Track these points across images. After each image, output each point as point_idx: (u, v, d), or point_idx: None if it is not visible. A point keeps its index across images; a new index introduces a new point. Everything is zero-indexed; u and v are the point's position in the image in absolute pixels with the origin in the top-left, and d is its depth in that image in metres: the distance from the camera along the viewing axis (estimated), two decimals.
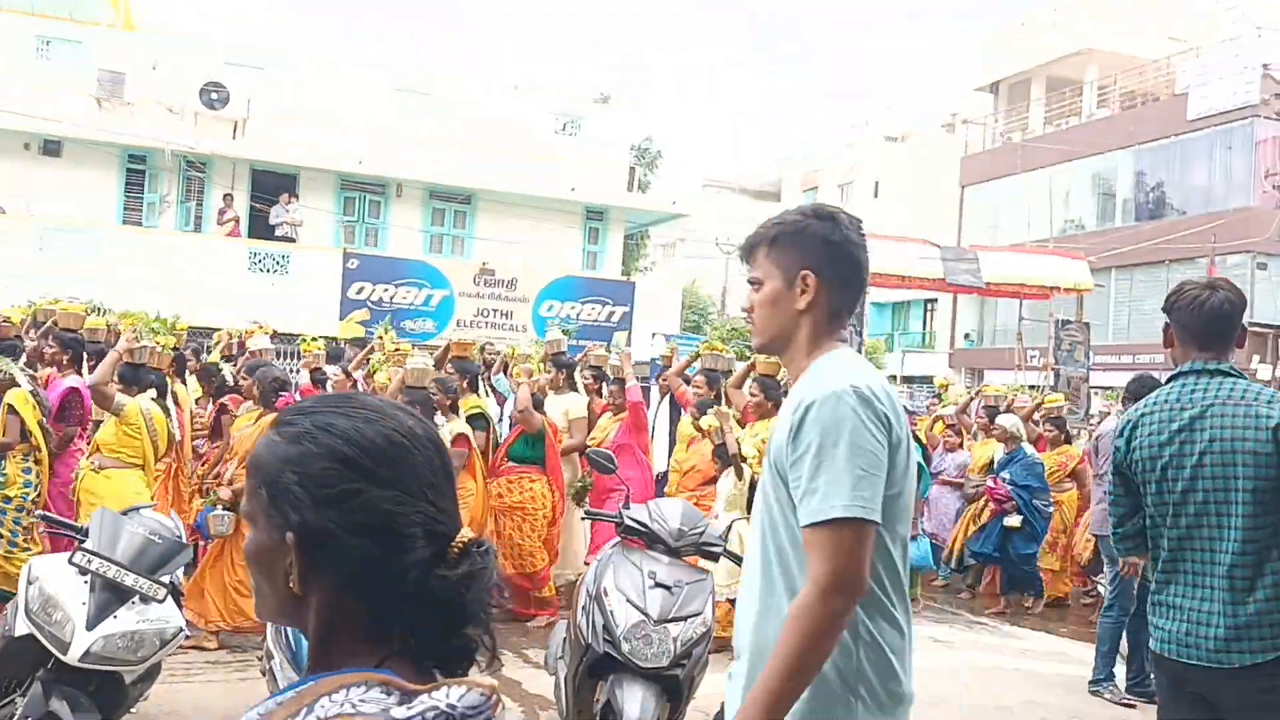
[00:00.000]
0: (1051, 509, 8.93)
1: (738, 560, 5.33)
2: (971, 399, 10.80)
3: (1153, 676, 5.97)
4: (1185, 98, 27.70)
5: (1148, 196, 30.09)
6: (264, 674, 4.71)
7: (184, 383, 8.24)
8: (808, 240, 2.15)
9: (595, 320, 21.25)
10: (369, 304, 19.68)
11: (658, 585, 4.20)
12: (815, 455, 1.93)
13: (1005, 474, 8.80)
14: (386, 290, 20.00)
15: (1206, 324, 3.05)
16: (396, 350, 9.17)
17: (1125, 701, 5.90)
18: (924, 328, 39.54)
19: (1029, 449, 8.98)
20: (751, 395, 7.35)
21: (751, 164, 55.66)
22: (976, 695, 5.89)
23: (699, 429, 6.98)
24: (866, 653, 2.00)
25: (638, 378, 9.67)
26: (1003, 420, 9.18)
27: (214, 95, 19.73)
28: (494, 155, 21.52)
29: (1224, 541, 2.88)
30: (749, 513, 6.05)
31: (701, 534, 4.49)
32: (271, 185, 20.86)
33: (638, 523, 4.48)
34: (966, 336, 35.36)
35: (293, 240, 20.45)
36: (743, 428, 6.89)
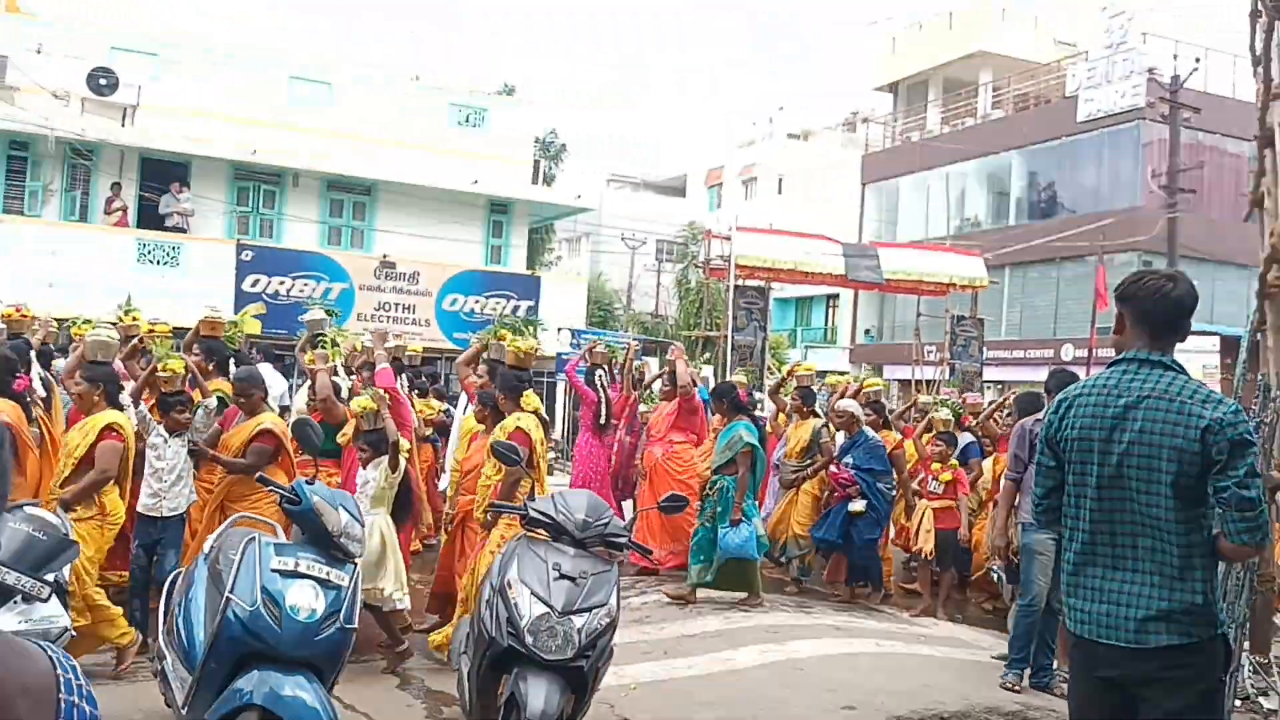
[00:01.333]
0: (894, 493, 8.90)
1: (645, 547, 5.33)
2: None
3: (1053, 670, 6.19)
4: (1075, 100, 28.67)
5: (1039, 196, 31.09)
6: (155, 675, 4.57)
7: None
8: None
9: (500, 315, 21.10)
10: (264, 297, 19.22)
11: (562, 577, 4.19)
12: None
13: (848, 459, 8.69)
14: (282, 283, 19.56)
15: (1166, 315, 3.08)
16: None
17: (1019, 688, 6.08)
18: (826, 323, 40.21)
19: (870, 432, 8.88)
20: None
21: (657, 160, 55.75)
22: (873, 680, 6.02)
23: (480, 420, 6.77)
24: None
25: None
26: (843, 404, 9.06)
27: (102, 81, 19.01)
28: (394, 147, 21.22)
29: (1149, 528, 2.96)
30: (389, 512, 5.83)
31: (607, 525, 4.49)
32: (162, 174, 20.23)
33: (542, 514, 4.46)
34: (867, 332, 36.07)
35: (184, 231, 19.87)
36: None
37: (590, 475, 9.55)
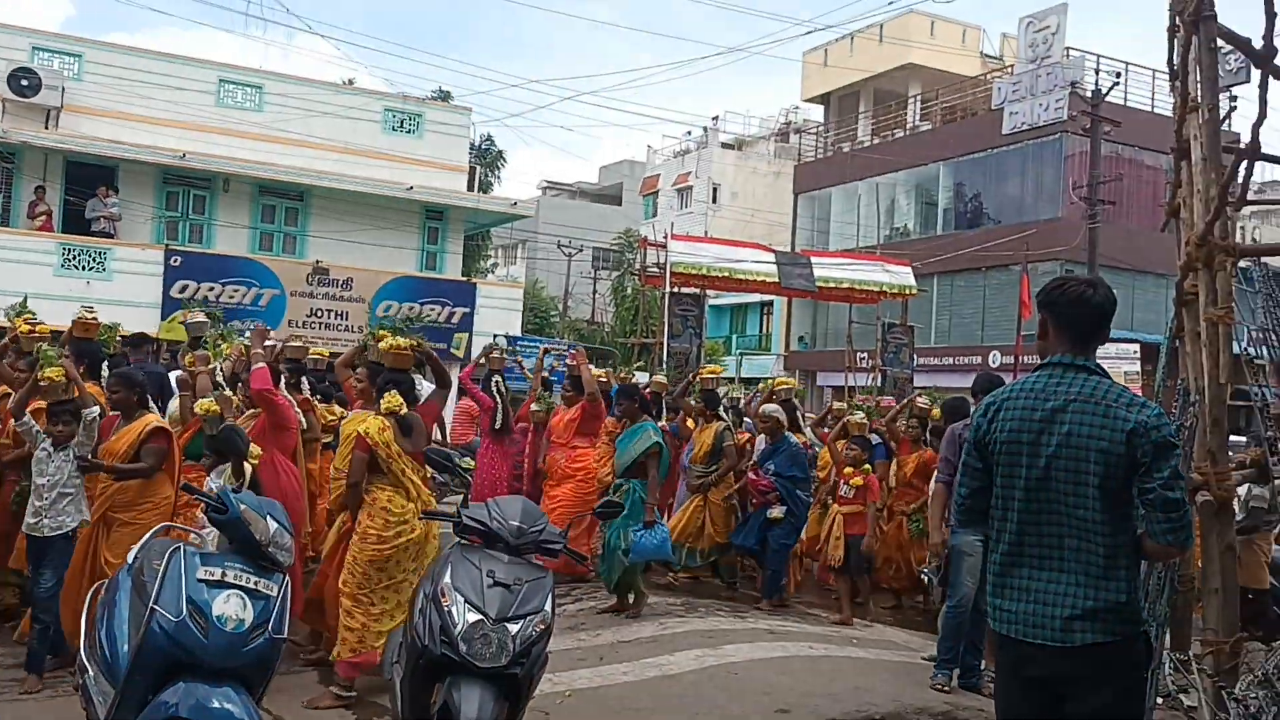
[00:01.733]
0: (812, 499, 8.89)
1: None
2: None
3: (981, 670, 6.30)
4: (1000, 113, 29.30)
5: (966, 206, 31.71)
6: (76, 689, 4.45)
7: None
8: None
9: (435, 321, 20.93)
10: (194, 303, 18.84)
11: (497, 584, 4.16)
12: None
13: (770, 465, 8.54)
14: (212, 289, 19.18)
15: (1088, 320, 3.15)
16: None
17: (949, 689, 6.18)
18: (760, 330, 40.55)
19: (793, 438, 8.78)
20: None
21: (591, 168, 55.82)
22: (807, 683, 6.08)
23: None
24: None
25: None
26: (767, 409, 8.88)
27: (24, 82, 18.51)
28: (328, 151, 20.96)
29: (1075, 529, 3.02)
30: None
31: (542, 531, 4.48)
32: (88, 178, 19.73)
33: (476, 521, 4.43)
34: (801, 339, 36.44)
35: (111, 236, 19.40)
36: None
37: (489, 481, 9.42)
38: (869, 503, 8.39)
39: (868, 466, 8.55)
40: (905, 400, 10.64)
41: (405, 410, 5.83)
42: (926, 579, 7.53)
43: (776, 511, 8.38)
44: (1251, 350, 5.44)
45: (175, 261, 19.19)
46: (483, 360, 10.03)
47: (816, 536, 9.10)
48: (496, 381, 9.71)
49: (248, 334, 7.39)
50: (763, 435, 8.96)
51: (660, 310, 17.54)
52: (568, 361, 11.15)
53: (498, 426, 9.63)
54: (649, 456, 7.74)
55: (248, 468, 5.55)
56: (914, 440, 9.52)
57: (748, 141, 46.05)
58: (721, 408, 9.24)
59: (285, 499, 5.60)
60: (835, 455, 9.08)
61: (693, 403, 9.60)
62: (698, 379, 10.00)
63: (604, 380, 9.59)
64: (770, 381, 10.75)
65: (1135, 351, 19.61)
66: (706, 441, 8.89)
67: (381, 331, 6.52)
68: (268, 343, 7.12)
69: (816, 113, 42.57)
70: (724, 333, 39.84)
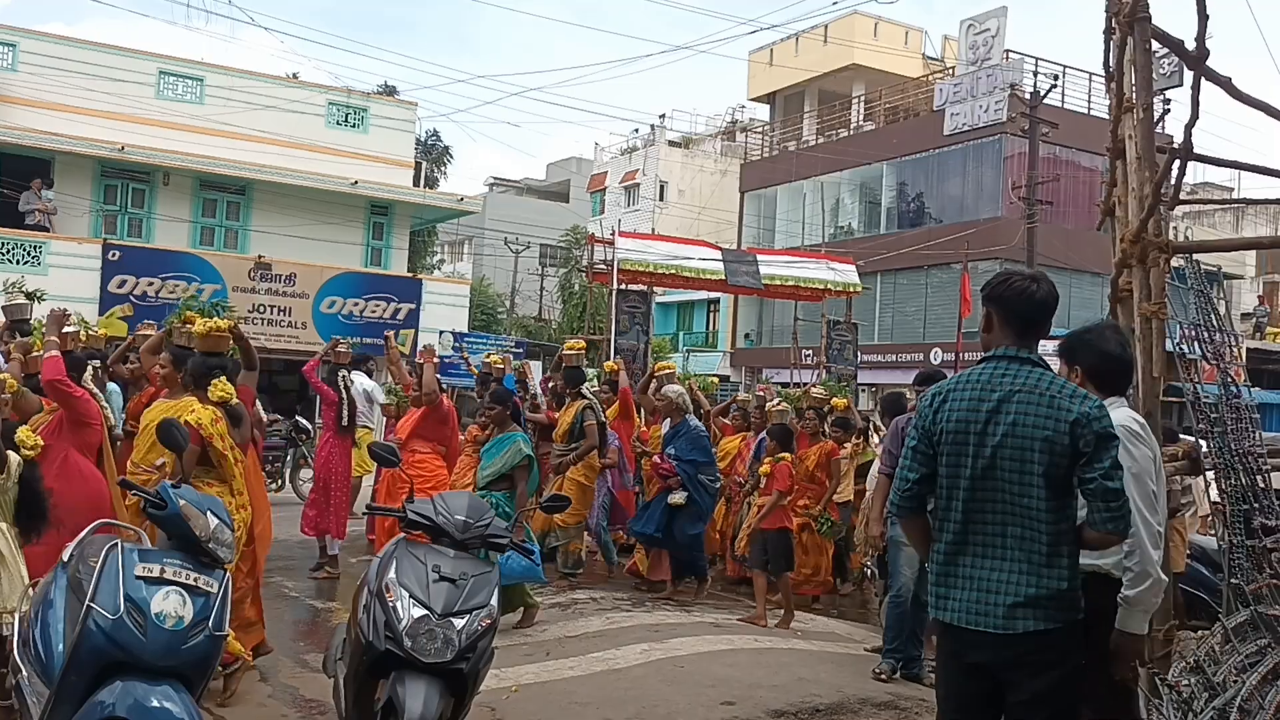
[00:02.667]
0: (718, 485, 8.60)
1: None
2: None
3: (922, 660, 6.39)
4: (942, 114, 29.70)
5: (908, 205, 32.12)
6: (9, 691, 4.35)
7: None
8: None
9: (380, 317, 20.75)
10: (131, 299, 18.49)
11: (442, 579, 4.13)
12: None
13: (671, 449, 8.19)
14: (151, 284, 18.86)
15: (1032, 313, 3.22)
16: None
17: (890, 678, 6.27)
18: (707, 327, 40.72)
19: (694, 421, 8.45)
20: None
21: (538, 165, 55.68)
22: (752, 675, 6.12)
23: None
24: None
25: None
26: (668, 391, 8.53)
27: None
28: (270, 145, 20.68)
29: (1019, 517, 3.08)
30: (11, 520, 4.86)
31: (488, 526, 4.46)
32: (22, 170, 19.29)
33: (421, 516, 4.41)
34: (747, 336, 36.66)
35: (46, 229, 18.98)
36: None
37: (329, 475, 9.17)
38: (774, 491, 7.76)
39: (783, 455, 8.00)
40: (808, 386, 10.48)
41: (235, 399, 5.59)
42: (869, 571, 7.60)
43: (677, 497, 8.06)
44: (1184, 348, 5.57)
45: (114, 256, 18.84)
46: (328, 356, 9.64)
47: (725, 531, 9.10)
48: (343, 376, 9.34)
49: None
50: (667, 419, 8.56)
51: (607, 307, 17.54)
52: (485, 359, 10.95)
53: (344, 423, 9.22)
54: (517, 469, 7.14)
55: (13, 462, 4.95)
56: (812, 434, 9.24)
57: (694, 140, 46.19)
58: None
59: (80, 507, 5.13)
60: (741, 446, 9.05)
61: (654, 399, 9.32)
62: (657, 373, 9.76)
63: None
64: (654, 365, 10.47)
65: None
66: (566, 421, 8.59)
67: (190, 314, 6.23)
68: (67, 329, 6.47)
69: (762, 112, 42.84)
70: (671, 330, 39.96)
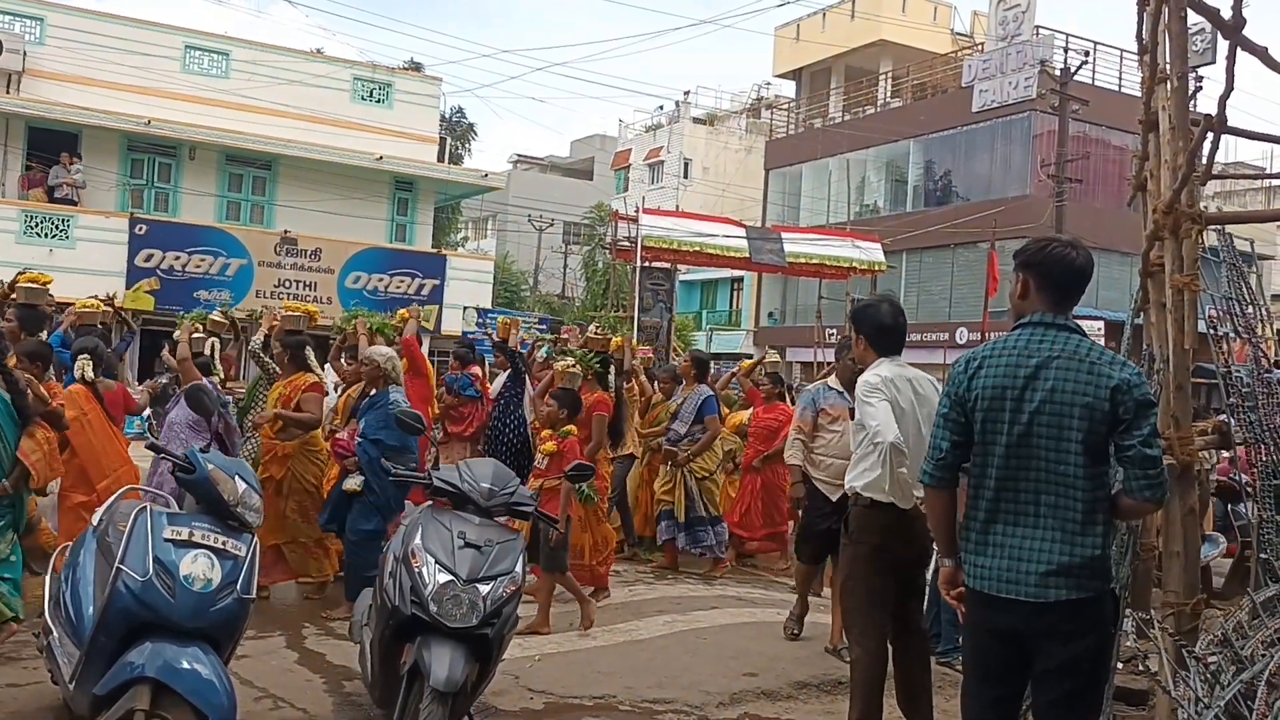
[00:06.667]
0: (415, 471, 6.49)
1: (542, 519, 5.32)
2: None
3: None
4: (970, 91, 29.38)
5: (935, 184, 31.82)
6: (40, 651, 4.42)
7: None
8: None
9: (404, 293, 20.83)
10: (159, 273, 18.64)
11: (468, 545, 4.16)
12: None
13: (361, 421, 6.63)
14: (178, 258, 18.98)
15: (1070, 280, 3.19)
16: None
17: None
18: (730, 306, 40.61)
19: (398, 395, 6.64)
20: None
21: (562, 142, 55.59)
22: (774, 648, 6.15)
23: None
24: None
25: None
26: (373, 353, 6.87)
27: None
28: (296, 120, 20.72)
29: (1054, 484, 3.04)
30: None
31: (513, 494, 4.48)
32: (51, 144, 19.43)
33: (447, 484, 4.43)
34: (770, 315, 36.52)
35: (74, 203, 19.12)
36: None
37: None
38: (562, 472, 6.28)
39: (568, 429, 6.82)
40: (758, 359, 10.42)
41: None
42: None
43: (351, 483, 6.51)
44: (1215, 327, 5.50)
45: (140, 230, 18.96)
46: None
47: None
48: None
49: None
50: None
51: (631, 285, 17.53)
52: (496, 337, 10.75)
53: None
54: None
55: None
56: (767, 396, 9.20)
57: (719, 116, 45.96)
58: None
59: None
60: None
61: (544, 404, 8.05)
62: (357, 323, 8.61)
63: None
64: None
65: (1100, 329, 19.82)
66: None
67: (35, 273, 6.14)
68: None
69: (788, 88, 42.52)
70: (694, 308, 39.88)
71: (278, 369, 7.30)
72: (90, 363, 6.06)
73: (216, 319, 8.29)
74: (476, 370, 9.65)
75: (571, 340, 10.32)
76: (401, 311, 9.12)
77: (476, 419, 8.94)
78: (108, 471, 6.04)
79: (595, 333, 9.29)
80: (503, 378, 9.32)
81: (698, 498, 8.67)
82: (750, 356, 32.88)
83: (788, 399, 9.55)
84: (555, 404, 6.84)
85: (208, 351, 7.58)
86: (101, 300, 8.22)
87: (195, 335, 7.27)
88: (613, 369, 8.43)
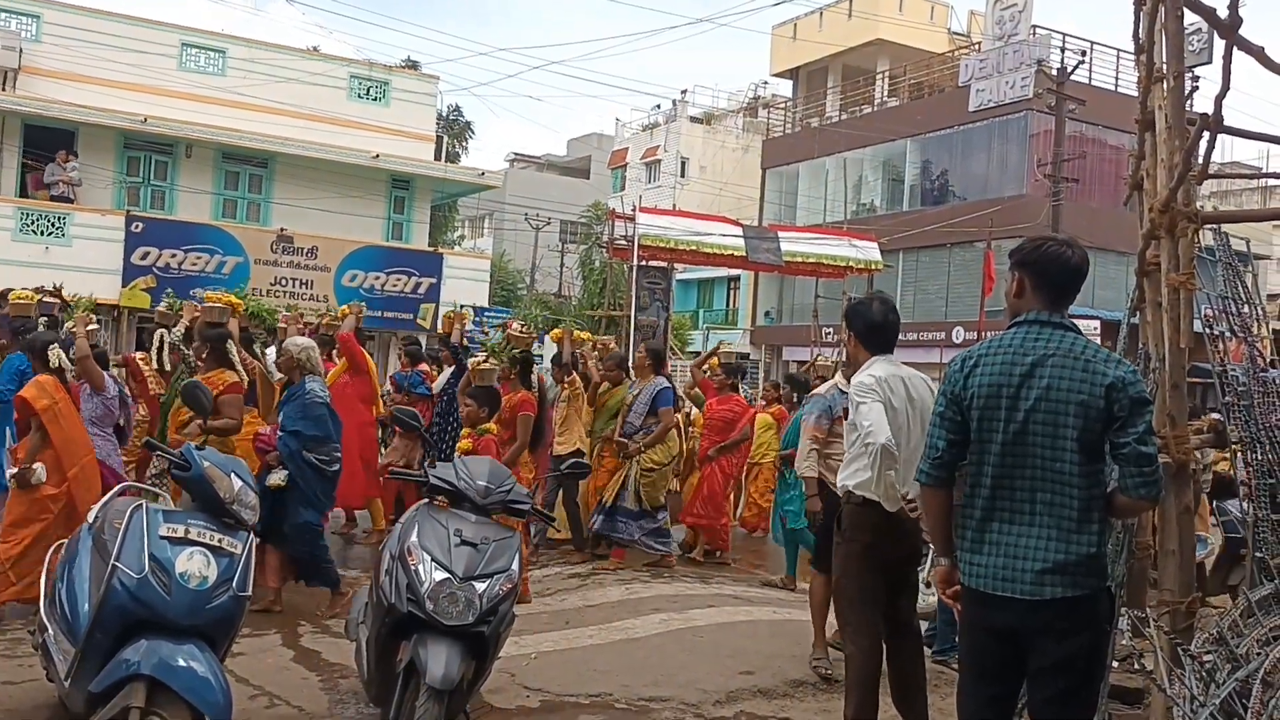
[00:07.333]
0: (333, 468, 6.66)
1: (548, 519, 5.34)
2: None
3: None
4: (967, 90, 29.39)
5: (932, 183, 31.84)
6: (36, 649, 4.41)
7: None
8: None
9: (401, 292, 20.80)
10: (155, 270, 18.63)
11: (464, 543, 4.16)
12: None
13: (281, 415, 6.61)
14: (174, 256, 18.94)
15: (1066, 279, 3.19)
16: None
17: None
18: (727, 305, 40.62)
19: (314, 385, 6.57)
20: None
21: (559, 141, 55.55)
22: (771, 646, 6.14)
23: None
24: None
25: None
26: (288, 345, 6.86)
27: None
28: (293, 118, 20.68)
29: (1050, 482, 3.05)
30: None
31: (509, 491, 4.48)
32: (46, 141, 19.37)
33: (444, 481, 4.43)
34: (767, 314, 36.53)
35: (70, 201, 19.08)
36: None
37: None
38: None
39: (487, 427, 6.55)
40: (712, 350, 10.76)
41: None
42: None
43: (275, 478, 6.38)
44: (1210, 326, 5.50)
45: (137, 228, 18.92)
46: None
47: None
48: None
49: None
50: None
51: (628, 283, 17.54)
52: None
53: None
54: None
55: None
56: (720, 387, 9.51)
57: (716, 115, 45.96)
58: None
59: None
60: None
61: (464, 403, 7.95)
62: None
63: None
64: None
65: (1096, 328, 19.82)
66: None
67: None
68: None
69: (785, 87, 42.54)
70: (691, 307, 39.89)
71: (198, 363, 7.11)
72: (62, 353, 6.06)
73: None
74: (425, 368, 9.70)
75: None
76: (343, 307, 9.13)
77: (427, 417, 8.82)
78: (76, 460, 6.05)
79: (520, 330, 9.03)
80: (446, 374, 9.23)
81: (631, 489, 8.39)
82: (747, 356, 32.99)
83: (740, 389, 9.93)
84: (474, 402, 6.51)
85: (155, 343, 7.73)
86: (49, 291, 8.27)
87: (90, 328, 7.13)
88: (534, 367, 8.15)
